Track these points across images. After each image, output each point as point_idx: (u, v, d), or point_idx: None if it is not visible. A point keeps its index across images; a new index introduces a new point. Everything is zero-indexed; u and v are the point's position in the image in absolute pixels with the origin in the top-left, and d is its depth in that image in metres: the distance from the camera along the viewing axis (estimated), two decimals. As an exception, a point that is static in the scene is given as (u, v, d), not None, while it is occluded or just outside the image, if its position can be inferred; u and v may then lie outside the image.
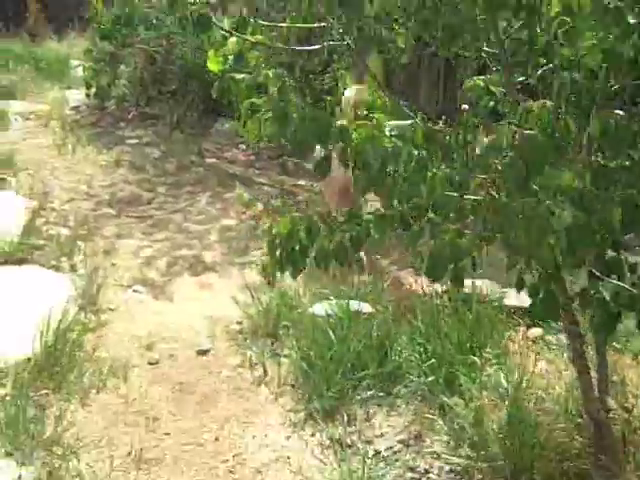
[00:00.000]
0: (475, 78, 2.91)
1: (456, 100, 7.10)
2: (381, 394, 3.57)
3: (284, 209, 6.00)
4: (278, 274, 2.57)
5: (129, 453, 3.21)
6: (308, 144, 2.24)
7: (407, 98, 5.87)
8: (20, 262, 4.92)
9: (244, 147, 7.28)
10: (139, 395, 3.65)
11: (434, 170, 2.15)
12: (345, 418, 3.43)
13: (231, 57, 2.54)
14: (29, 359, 3.74)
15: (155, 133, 7.71)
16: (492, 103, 2.84)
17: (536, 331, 4.00)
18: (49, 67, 10.48)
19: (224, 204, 6.23)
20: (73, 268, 4.94)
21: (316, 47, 2.56)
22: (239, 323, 4.31)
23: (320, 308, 4.12)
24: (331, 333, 3.77)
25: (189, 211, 6.11)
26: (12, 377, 3.60)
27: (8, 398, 3.46)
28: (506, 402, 3.24)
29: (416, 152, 2.15)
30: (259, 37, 2.55)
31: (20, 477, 2.99)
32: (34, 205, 5.86)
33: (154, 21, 7.94)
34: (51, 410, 3.45)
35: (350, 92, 5.05)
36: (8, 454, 3.12)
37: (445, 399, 3.36)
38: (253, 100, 2.29)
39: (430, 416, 3.39)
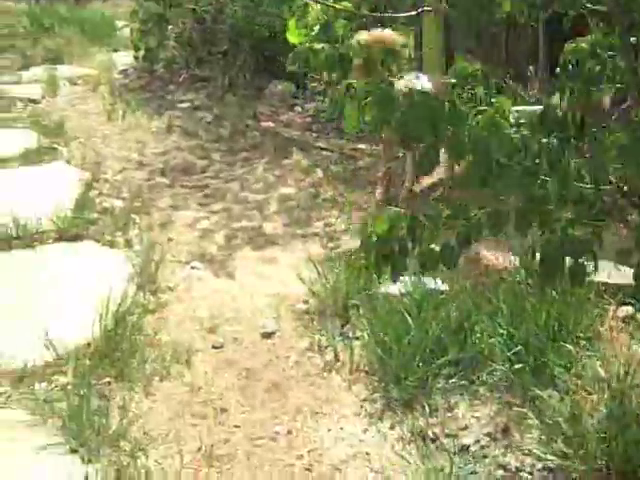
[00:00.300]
0: (578, 39, 2.59)
1: (519, 58, 6.68)
2: (463, 382, 3.32)
3: (345, 175, 5.73)
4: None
5: (199, 449, 3.01)
6: (417, 134, 1.89)
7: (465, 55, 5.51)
8: (75, 238, 4.74)
9: (300, 109, 6.97)
10: (204, 383, 3.45)
11: (566, 163, 1.82)
12: (426, 409, 3.19)
13: (315, 27, 2.24)
14: (89, 344, 3.57)
15: (207, 96, 7.43)
16: (598, 67, 2.53)
17: (626, 309, 3.69)
18: (95, 29, 10.33)
19: (282, 171, 5.94)
20: (129, 243, 4.74)
21: (411, 13, 2.23)
22: (305, 302, 4.07)
23: (393, 286, 3.85)
24: (407, 315, 3.52)
25: (246, 179, 5.83)
26: (72, 364, 3.43)
27: (70, 387, 3.30)
28: (605, 395, 2.97)
29: (545, 140, 1.82)
30: (346, 4, 2.25)
31: (87, 476, 2.83)
32: (87, 176, 5.67)
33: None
34: (115, 400, 3.27)
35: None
36: (73, 451, 2.95)
37: (537, 391, 3.09)
38: (352, 82, 1.96)
39: (517, 408, 3.14)
